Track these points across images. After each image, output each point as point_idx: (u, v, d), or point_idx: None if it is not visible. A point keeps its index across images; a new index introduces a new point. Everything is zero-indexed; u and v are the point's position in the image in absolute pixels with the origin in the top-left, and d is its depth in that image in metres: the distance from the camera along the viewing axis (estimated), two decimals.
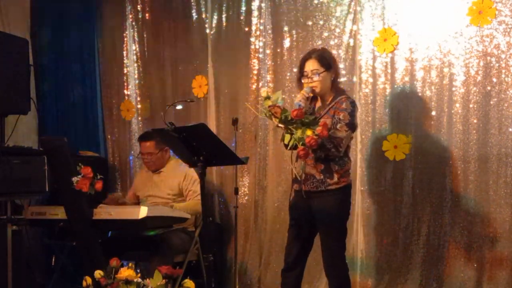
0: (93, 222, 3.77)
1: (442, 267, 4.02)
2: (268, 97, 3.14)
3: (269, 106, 3.12)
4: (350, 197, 3.53)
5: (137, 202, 4.59)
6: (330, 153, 3.29)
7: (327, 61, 3.41)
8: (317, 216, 3.40)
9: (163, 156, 4.49)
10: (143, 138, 4.57)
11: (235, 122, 4.59)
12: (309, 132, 3.03)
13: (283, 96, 4.56)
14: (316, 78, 3.37)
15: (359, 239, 4.27)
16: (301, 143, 3.05)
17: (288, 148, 3.21)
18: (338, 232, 3.43)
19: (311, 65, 3.39)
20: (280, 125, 3.13)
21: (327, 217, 3.37)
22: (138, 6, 5.42)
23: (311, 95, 3.39)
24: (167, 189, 4.43)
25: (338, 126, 3.29)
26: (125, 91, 5.54)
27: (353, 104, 3.38)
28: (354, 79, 4.34)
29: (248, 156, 4.37)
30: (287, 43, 4.67)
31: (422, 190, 4.10)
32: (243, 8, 4.88)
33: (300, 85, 3.46)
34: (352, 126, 3.35)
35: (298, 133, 3.05)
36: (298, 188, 3.48)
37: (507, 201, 3.84)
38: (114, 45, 5.60)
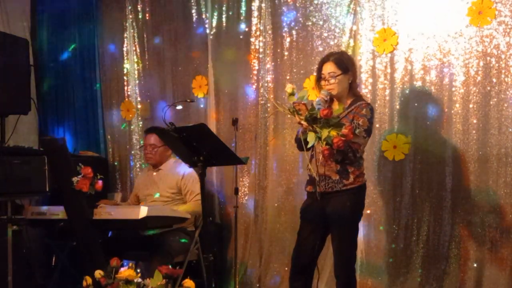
0: (93, 222, 3.77)
1: (442, 267, 4.02)
2: (292, 93, 3.13)
3: (293, 103, 3.11)
4: (364, 197, 3.51)
5: (138, 203, 4.60)
6: (347, 158, 3.29)
7: (344, 64, 3.41)
8: (331, 216, 3.38)
9: (164, 152, 4.53)
10: (149, 130, 4.65)
11: (235, 122, 4.59)
12: (333, 133, 3.02)
13: (284, 96, 4.57)
14: (332, 81, 3.38)
15: (359, 239, 4.26)
16: (325, 143, 3.04)
17: (307, 147, 3.18)
18: (351, 232, 3.42)
19: (328, 68, 3.41)
20: (303, 122, 3.11)
21: (341, 217, 3.35)
22: (138, 6, 5.42)
23: (329, 98, 3.37)
24: (166, 187, 4.44)
25: (357, 131, 3.29)
26: (125, 91, 5.54)
27: (372, 110, 3.40)
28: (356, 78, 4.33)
29: (248, 156, 4.37)
30: (287, 43, 4.67)
31: (422, 190, 4.10)
32: (243, 8, 4.88)
33: (319, 87, 3.48)
34: (369, 132, 3.37)
35: (325, 133, 3.02)
36: (312, 189, 3.47)
37: (507, 201, 3.84)
38: (114, 45, 5.60)
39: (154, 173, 4.56)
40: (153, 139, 4.52)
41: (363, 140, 3.32)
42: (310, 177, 3.47)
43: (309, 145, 3.14)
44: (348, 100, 3.45)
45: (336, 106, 3.46)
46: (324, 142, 3.04)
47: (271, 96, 4.71)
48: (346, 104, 3.43)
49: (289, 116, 3.21)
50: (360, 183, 3.40)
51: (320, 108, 3.14)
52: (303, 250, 3.48)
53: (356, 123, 3.32)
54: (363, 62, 4.31)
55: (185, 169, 4.39)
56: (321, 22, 4.51)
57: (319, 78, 3.47)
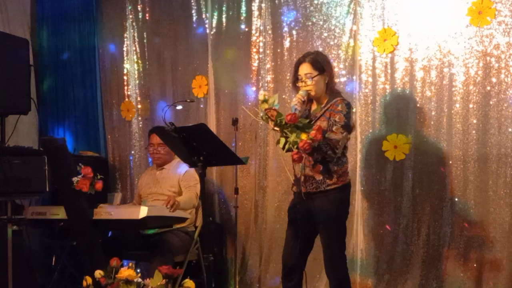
0: (93, 222, 3.78)
1: (442, 267, 4.02)
2: (265, 100, 3.15)
3: (265, 109, 3.14)
4: (349, 196, 3.53)
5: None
6: (326, 156, 3.31)
7: (320, 64, 3.42)
8: (317, 216, 3.40)
9: (172, 151, 4.51)
10: (154, 130, 4.60)
11: (235, 122, 4.60)
12: (303, 136, 3.06)
13: (284, 96, 4.58)
14: (309, 82, 3.40)
15: (359, 239, 4.27)
16: (295, 146, 3.08)
17: (285, 151, 3.21)
18: (338, 231, 3.43)
19: (305, 69, 3.42)
20: (275, 128, 3.14)
21: (327, 216, 3.38)
22: (138, 6, 5.42)
23: (306, 98, 3.40)
24: (168, 186, 4.45)
25: (334, 128, 3.31)
26: (125, 91, 5.54)
27: (348, 105, 3.39)
28: (354, 79, 4.34)
29: (248, 156, 4.37)
30: (287, 43, 4.67)
31: (422, 190, 4.10)
32: (243, 8, 4.88)
33: (295, 88, 3.49)
34: (348, 128, 3.37)
35: (292, 137, 3.07)
36: (297, 190, 3.48)
37: (507, 201, 3.84)
38: (114, 45, 5.60)
39: (157, 172, 4.57)
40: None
41: (341, 136, 3.31)
42: (295, 177, 3.48)
43: (284, 150, 3.17)
44: (325, 99, 3.45)
45: (314, 106, 3.49)
46: (295, 146, 3.07)
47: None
48: (323, 103, 3.44)
49: (261, 123, 3.24)
50: (344, 182, 3.41)
51: (297, 111, 3.18)
52: (291, 250, 3.49)
53: (333, 119, 3.33)
54: (363, 62, 4.32)
55: (187, 168, 4.39)
56: (321, 22, 4.51)
57: (295, 80, 3.48)
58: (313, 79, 3.39)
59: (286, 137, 3.11)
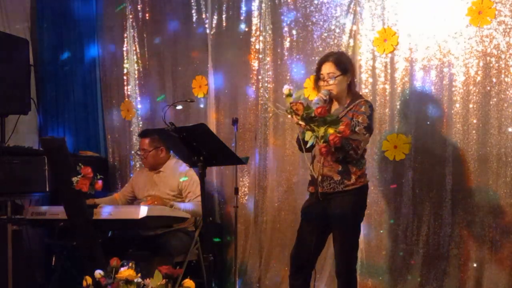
0: (93, 222, 3.78)
1: (442, 267, 4.02)
2: (290, 94, 3.11)
3: (290, 103, 3.09)
4: (366, 197, 3.50)
5: (133, 198, 4.61)
6: (348, 155, 3.29)
7: (344, 65, 3.40)
8: (333, 217, 3.37)
9: (157, 155, 4.48)
10: (141, 134, 4.67)
11: (235, 122, 4.59)
12: (331, 131, 3.01)
13: (284, 97, 4.57)
14: (332, 81, 3.37)
15: (359, 239, 4.26)
16: (322, 140, 3.03)
17: (306, 146, 3.17)
18: (352, 232, 3.42)
19: (328, 68, 3.40)
20: (300, 122, 3.10)
21: (343, 217, 3.35)
22: (138, 6, 5.42)
23: (328, 97, 3.37)
24: (167, 189, 4.43)
25: (356, 129, 3.29)
26: (125, 91, 5.54)
27: (371, 107, 3.38)
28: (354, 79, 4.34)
29: (248, 156, 4.36)
30: (287, 43, 4.67)
31: (422, 190, 4.10)
32: (243, 8, 4.88)
33: (317, 87, 3.47)
34: (370, 130, 3.36)
35: (321, 131, 3.02)
36: (313, 190, 3.46)
37: (507, 201, 3.84)
38: (114, 45, 5.60)
39: (155, 175, 4.54)
40: (144, 143, 4.48)
41: (363, 137, 3.31)
42: (312, 177, 3.47)
43: (308, 145, 3.13)
44: (348, 100, 3.44)
45: (335, 106, 3.47)
46: (322, 140, 3.03)
47: (271, 96, 4.71)
48: (346, 104, 3.43)
49: (289, 117, 3.20)
50: (362, 183, 3.39)
51: (318, 106, 3.14)
52: (302, 249, 3.48)
53: (356, 120, 3.32)
54: (363, 62, 4.32)
55: (187, 171, 4.38)
56: (321, 22, 4.51)
57: (317, 78, 3.46)
58: (336, 79, 3.37)
59: (312, 131, 3.05)
